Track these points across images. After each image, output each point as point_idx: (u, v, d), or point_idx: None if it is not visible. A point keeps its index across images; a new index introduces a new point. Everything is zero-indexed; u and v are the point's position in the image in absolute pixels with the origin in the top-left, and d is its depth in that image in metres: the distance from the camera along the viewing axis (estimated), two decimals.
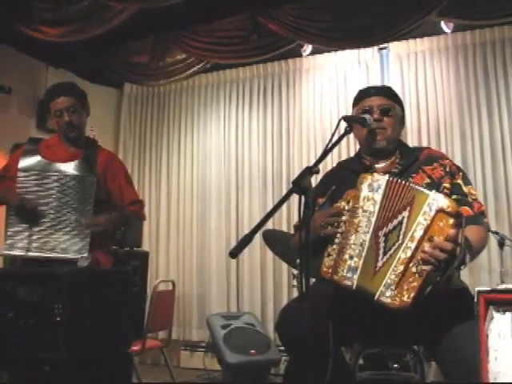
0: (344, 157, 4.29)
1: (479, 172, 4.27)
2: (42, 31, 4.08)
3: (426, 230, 1.62)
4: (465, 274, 3.80)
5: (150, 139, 5.55)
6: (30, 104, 4.83)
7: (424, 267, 1.59)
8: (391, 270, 1.65)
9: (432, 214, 1.61)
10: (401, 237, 1.66)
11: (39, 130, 4.77)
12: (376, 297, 1.65)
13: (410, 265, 1.62)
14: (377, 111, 2.01)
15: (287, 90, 5.06)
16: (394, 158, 2.03)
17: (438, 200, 1.62)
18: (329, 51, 4.81)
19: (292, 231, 2.35)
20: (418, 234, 1.63)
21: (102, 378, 2.26)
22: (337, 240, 1.77)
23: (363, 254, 1.71)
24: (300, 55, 4.84)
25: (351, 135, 2.04)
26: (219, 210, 5.10)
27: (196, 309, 5.04)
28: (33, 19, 4.04)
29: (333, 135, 1.81)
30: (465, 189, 1.90)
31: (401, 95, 2.22)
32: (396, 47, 4.66)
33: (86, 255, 2.47)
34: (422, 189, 1.69)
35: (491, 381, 1.39)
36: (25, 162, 2.61)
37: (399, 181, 1.73)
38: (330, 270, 1.75)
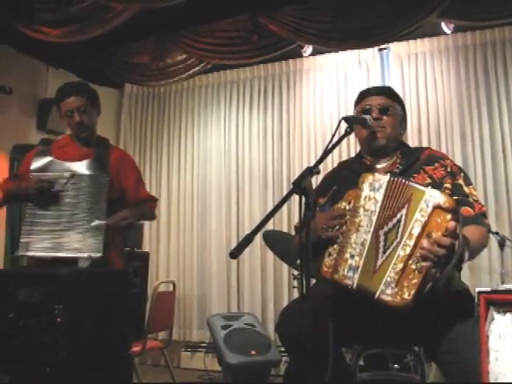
0: (344, 157, 4.29)
1: (479, 172, 4.27)
2: (42, 32, 4.08)
3: (424, 226, 1.61)
4: (465, 275, 3.80)
5: (150, 140, 5.55)
6: (31, 105, 4.83)
7: (423, 263, 1.58)
8: (391, 267, 1.64)
9: (429, 210, 1.60)
10: (399, 234, 1.65)
11: (40, 131, 4.76)
12: (376, 295, 1.64)
13: (410, 262, 1.61)
14: (376, 110, 2.01)
15: (287, 91, 5.06)
16: (395, 158, 2.03)
17: (434, 196, 1.61)
18: (329, 52, 4.81)
19: (292, 232, 2.35)
20: (416, 230, 1.62)
21: (103, 378, 2.26)
22: (338, 240, 1.77)
23: (364, 254, 1.70)
24: (300, 56, 4.85)
25: (351, 135, 2.04)
26: (219, 211, 5.10)
27: (196, 309, 5.04)
28: (33, 20, 4.03)
29: (333, 136, 1.81)
30: (466, 189, 1.89)
31: (401, 96, 2.22)
32: (396, 48, 4.66)
33: (98, 255, 2.45)
34: (418, 186, 1.68)
35: (492, 381, 1.39)
36: (37, 163, 2.62)
37: (400, 180, 1.72)
38: (331, 270, 1.75)
